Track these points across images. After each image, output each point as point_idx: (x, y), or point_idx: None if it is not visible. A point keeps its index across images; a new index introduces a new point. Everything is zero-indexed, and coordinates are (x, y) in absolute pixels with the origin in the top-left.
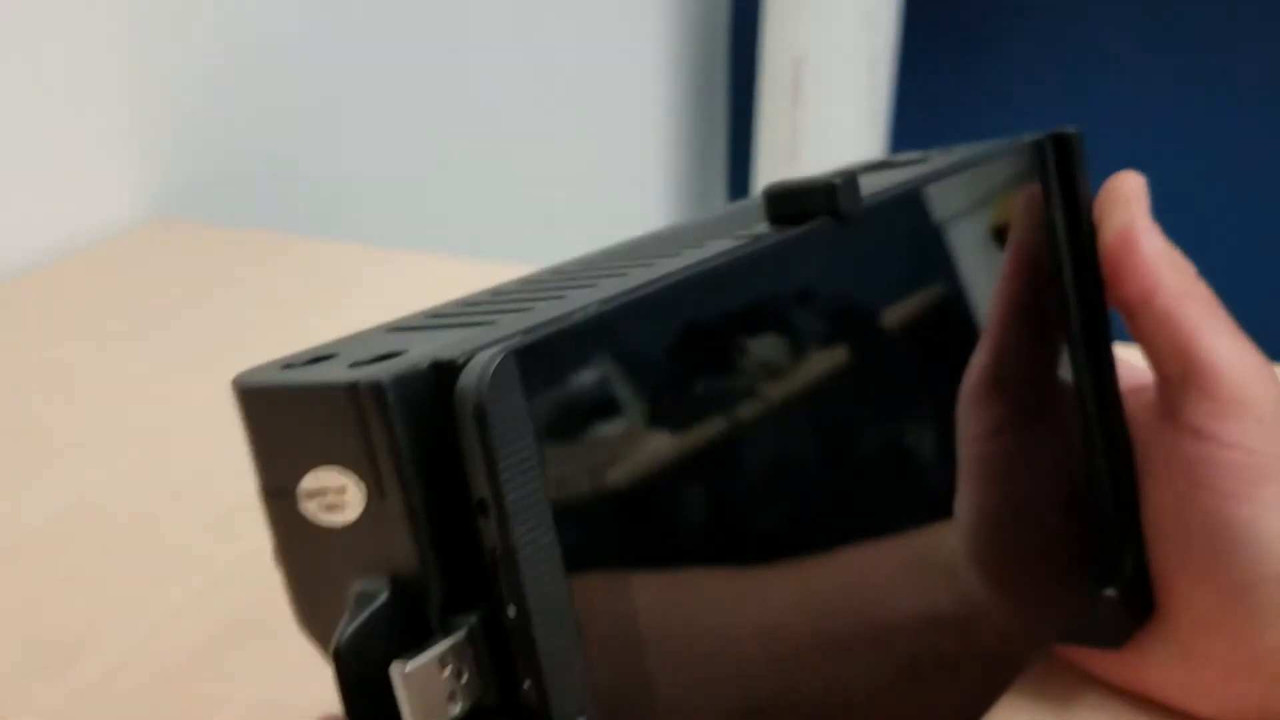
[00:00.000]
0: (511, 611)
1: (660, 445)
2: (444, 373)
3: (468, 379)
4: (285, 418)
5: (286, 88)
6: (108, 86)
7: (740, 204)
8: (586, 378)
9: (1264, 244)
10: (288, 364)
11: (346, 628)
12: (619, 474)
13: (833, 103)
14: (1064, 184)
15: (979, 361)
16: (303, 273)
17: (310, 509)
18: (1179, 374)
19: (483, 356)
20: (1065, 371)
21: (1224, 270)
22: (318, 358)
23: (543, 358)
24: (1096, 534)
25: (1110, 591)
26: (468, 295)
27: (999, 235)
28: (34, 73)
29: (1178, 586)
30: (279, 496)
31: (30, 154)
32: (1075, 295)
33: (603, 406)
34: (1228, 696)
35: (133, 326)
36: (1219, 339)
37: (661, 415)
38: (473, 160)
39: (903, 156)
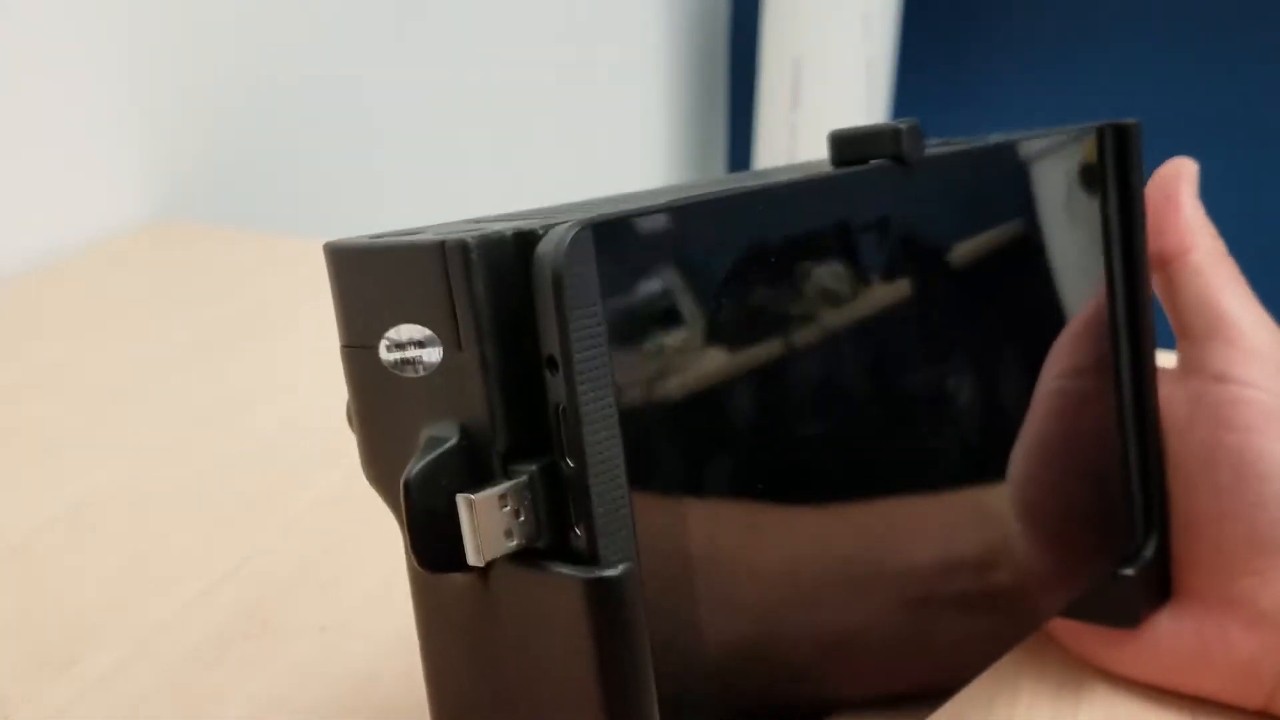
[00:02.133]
0: (569, 463)
1: (718, 336)
2: (524, 240)
3: (547, 246)
4: (373, 276)
5: (288, 90)
6: (111, 90)
7: (809, 161)
8: (654, 260)
9: (1262, 242)
10: (377, 236)
11: (416, 464)
12: (675, 354)
13: (831, 106)
14: (1118, 173)
15: (1079, 306)
16: (304, 274)
17: (390, 360)
18: (1204, 327)
19: (561, 227)
20: (1115, 355)
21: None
22: (406, 232)
23: (616, 236)
24: (1126, 512)
25: (1129, 571)
26: (541, 207)
27: (1058, 198)
28: (38, 75)
29: (1204, 532)
30: (360, 349)
31: (34, 156)
32: (1123, 282)
33: (666, 290)
34: (1247, 657)
35: (135, 327)
36: (1242, 301)
37: (721, 308)
38: (474, 162)
39: (959, 141)
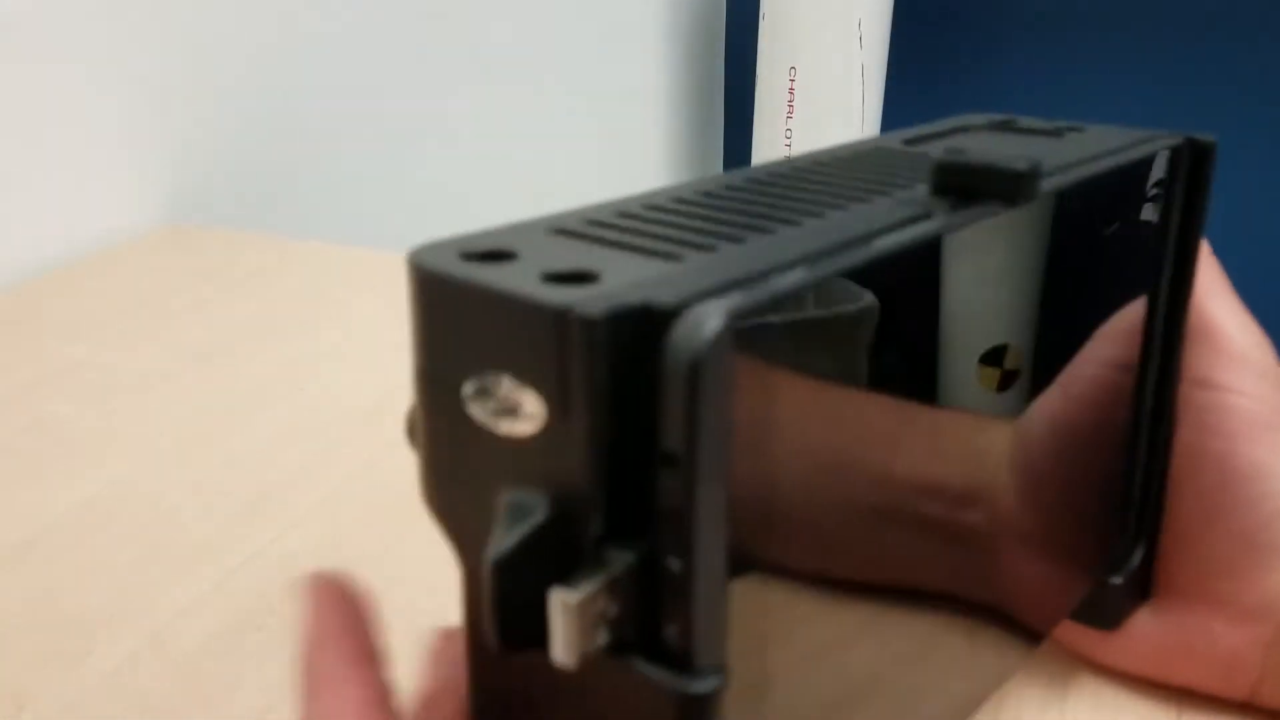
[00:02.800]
0: (676, 564)
1: (831, 416)
2: (653, 316)
3: (684, 333)
4: (468, 314)
5: (294, 94)
6: (123, 93)
7: (870, 147)
8: (784, 345)
9: (1261, 241)
10: (465, 251)
11: (505, 542)
12: (789, 442)
13: (826, 113)
14: (1188, 187)
15: (1133, 303)
16: (311, 276)
17: (476, 409)
18: (1189, 331)
19: (702, 311)
20: (1144, 363)
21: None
22: (495, 251)
23: (756, 320)
24: (1121, 519)
25: (1117, 579)
26: (619, 201)
27: (1135, 222)
28: (46, 80)
29: (1189, 533)
30: (439, 383)
31: (47, 159)
32: (1168, 296)
33: (793, 374)
34: (1231, 650)
35: (145, 328)
36: (1227, 305)
37: (837, 382)
38: (476, 166)
39: (1026, 121)
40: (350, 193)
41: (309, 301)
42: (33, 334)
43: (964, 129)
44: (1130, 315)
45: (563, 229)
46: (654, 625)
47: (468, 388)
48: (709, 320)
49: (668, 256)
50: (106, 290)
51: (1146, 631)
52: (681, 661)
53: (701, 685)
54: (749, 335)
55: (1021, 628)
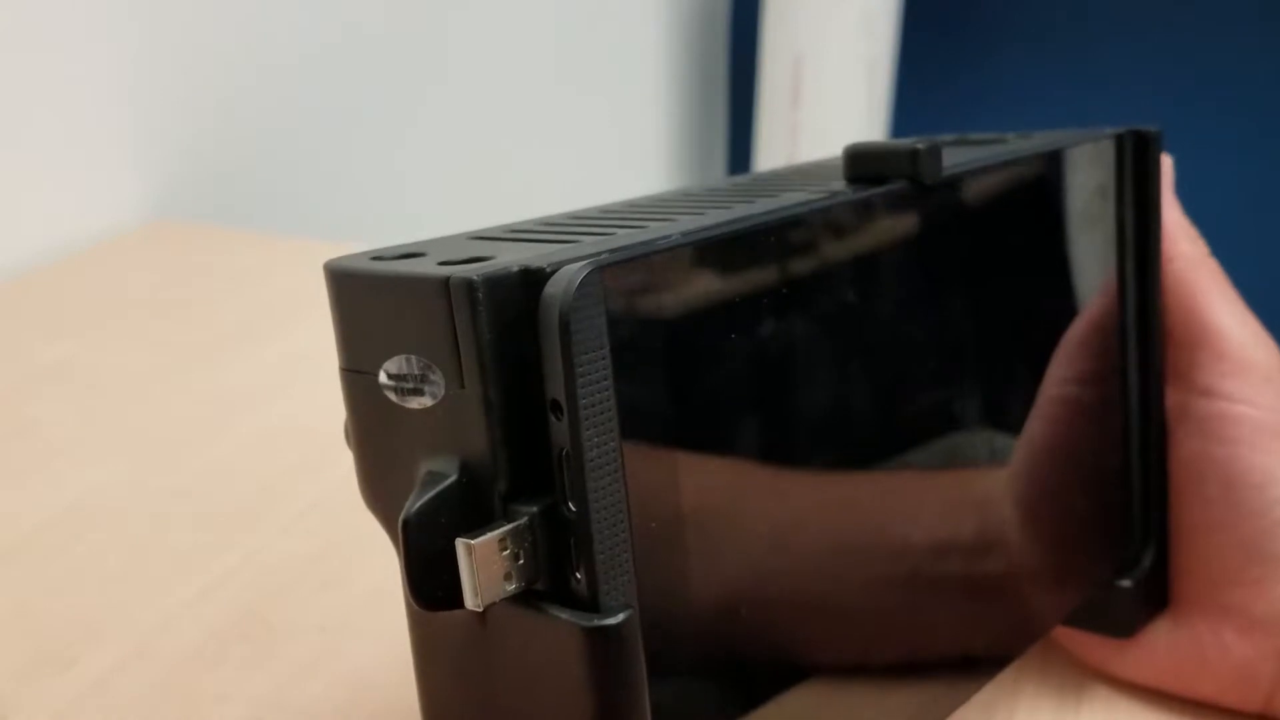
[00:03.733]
0: (572, 508)
1: (728, 371)
2: (531, 278)
3: (555, 287)
4: (375, 304)
5: (287, 90)
6: (109, 89)
7: (811, 163)
8: (664, 298)
9: (1260, 243)
10: (377, 256)
11: (415, 502)
12: (684, 393)
13: (832, 105)
14: (1136, 180)
15: (1087, 312)
16: (302, 274)
17: (390, 390)
18: (1189, 337)
19: (570, 268)
20: (1122, 364)
21: (1225, 264)
22: (407, 254)
23: (625, 276)
24: (1125, 521)
25: (1126, 581)
26: (546, 216)
27: (1075, 215)
28: (36, 75)
29: (1195, 543)
30: (359, 373)
31: (32, 155)
32: (1134, 290)
33: (675, 329)
34: (1242, 662)
35: (133, 327)
36: (1227, 307)
37: (731, 342)
38: (473, 161)
39: (977, 136)
40: (340, 190)
41: (297, 300)
42: (14, 333)
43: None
44: (1089, 325)
45: (482, 235)
46: (563, 573)
47: (382, 374)
48: (576, 273)
49: (568, 240)
50: (91, 288)
51: (1158, 642)
52: (589, 604)
53: (608, 619)
54: (631, 286)
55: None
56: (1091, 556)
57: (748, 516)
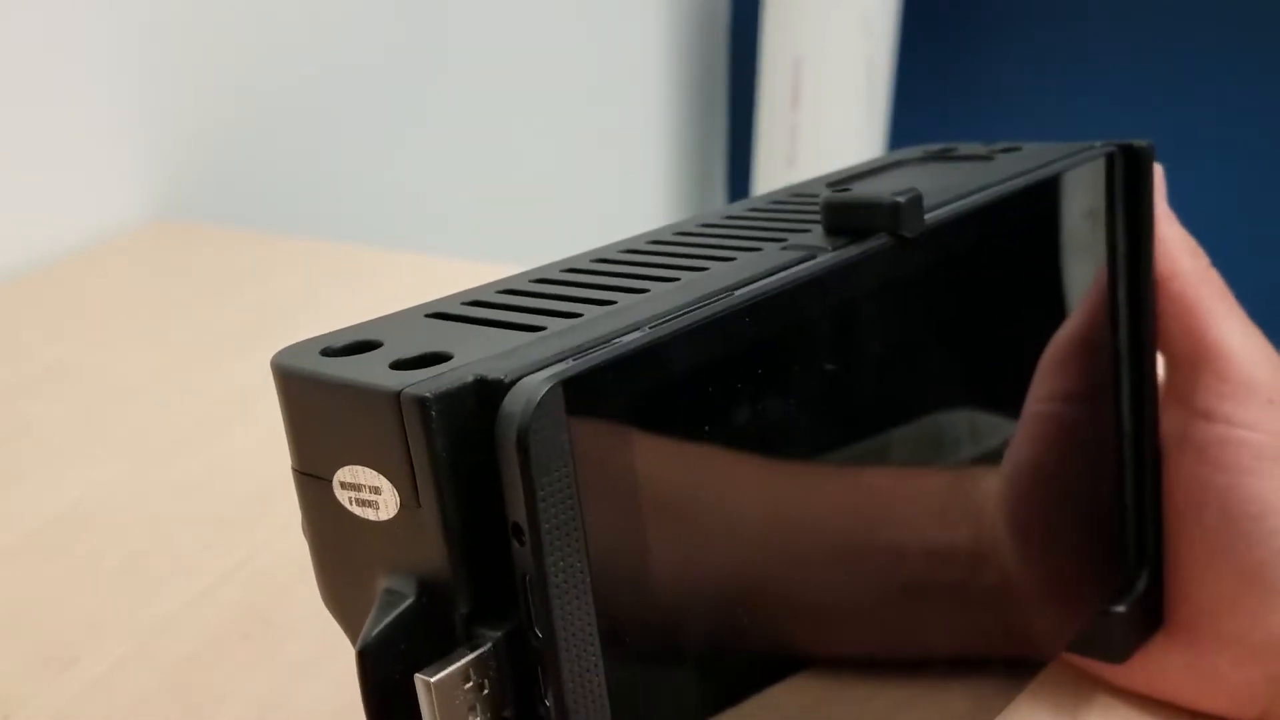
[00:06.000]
0: (538, 634)
1: (701, 472)
2: (488, 391)
3: (512, 404)
4: (324, 409)
5: (289, 90)
6: (111, 89)
7: (789, 194)
8: (631, 404)
9: (1259, 246)
10: (326, 348)
11: (373, 629)
12: (655, 500)
13: (831, 105)
14: (1128, 196)
15: (1065, 328)
16: (303, 274)
17: (344, 498)
18: (1191, 357)
19: (530, 382)
20: (1113, 384)
21: (1218, 268)
22: (359, 344)
23: (590, 386)
24: (1118, 546)
25: (1120, 607)
26: (509, 279)
27: (1063, 241)
28: (38, 74)
29: (1192, 570)
30: (313, 480)
31: (34, 156)
32: (1127, 311)
33: (645, 433)
34: (1238, 685)
35: (133, 327)
36: (1231, 324)
37: (706, 439)
38: (473, 161)
39: (965, 148)
40: (340, 190)
41: (298, 300)
42: (15, 334)
43: (898, 164)
44: (1069, 343)
45: (441, 313)
46: (530, 702)
47: (336, 482)
48: (536, 389)
49: (531, 329)
50: (91, 289)
51: (1153, 662)
52: None
53: None
54: (595, 398)
55: (1012, 662)
56: (1087, 585)
57: (737, 632)
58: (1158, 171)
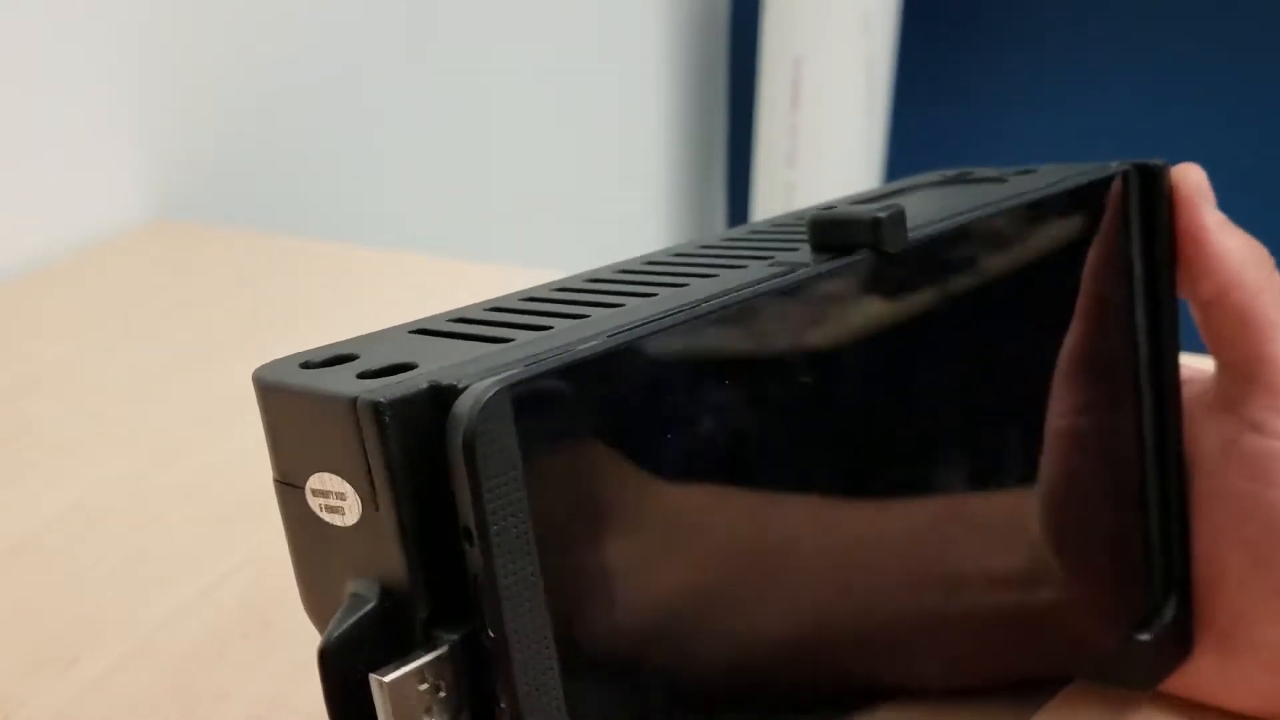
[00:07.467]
0: (490, 637)
1: (659, 480)
2: (441, 396)
3: (461, 407)
4: (296, 418)
5: (289, 90)
6: (112, 89)
7: (794, 217)
8: (584, 412)
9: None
10: (306, 361)
11: (335, 630)
12: (609, 508)
13: (831, 105)
14: (1144, 214)
15: (1076, 349)
16: (303, 274)
17: (315, 505)
18: (1245, 368)
19: (478, 386)
20: (1134, 410)
21: None
22: (336, 357)
23: (540, 390)
24: (1144, 571)
25: (1145, 636)
26: (499, 298)
27: (1063, 259)
28: (38, 75)
29: (1229, 579)
30: (290, 488)
31: (34, 156)
32: (1147, 334)
33: (599, 443)
34: (1273, 690)
35: (133, 327)
36: None
37: (665, 448)
38: (473, 162)
39: (981, 172)
40: (340, 190)
41: (297, 300)
42: (17, 333)
43: (912, 188)
44: (1084, 363)
45: (424, 329)
46: (487, 704)
47: (308, 488)
48: (483, 393)
49: (501, 340)
50: (93, 288)
51: (1188, 660)
52: None
53: None
54: (546, 402)
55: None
56: (1108, 613)
57: (695, 633)
58: (1199, 176)
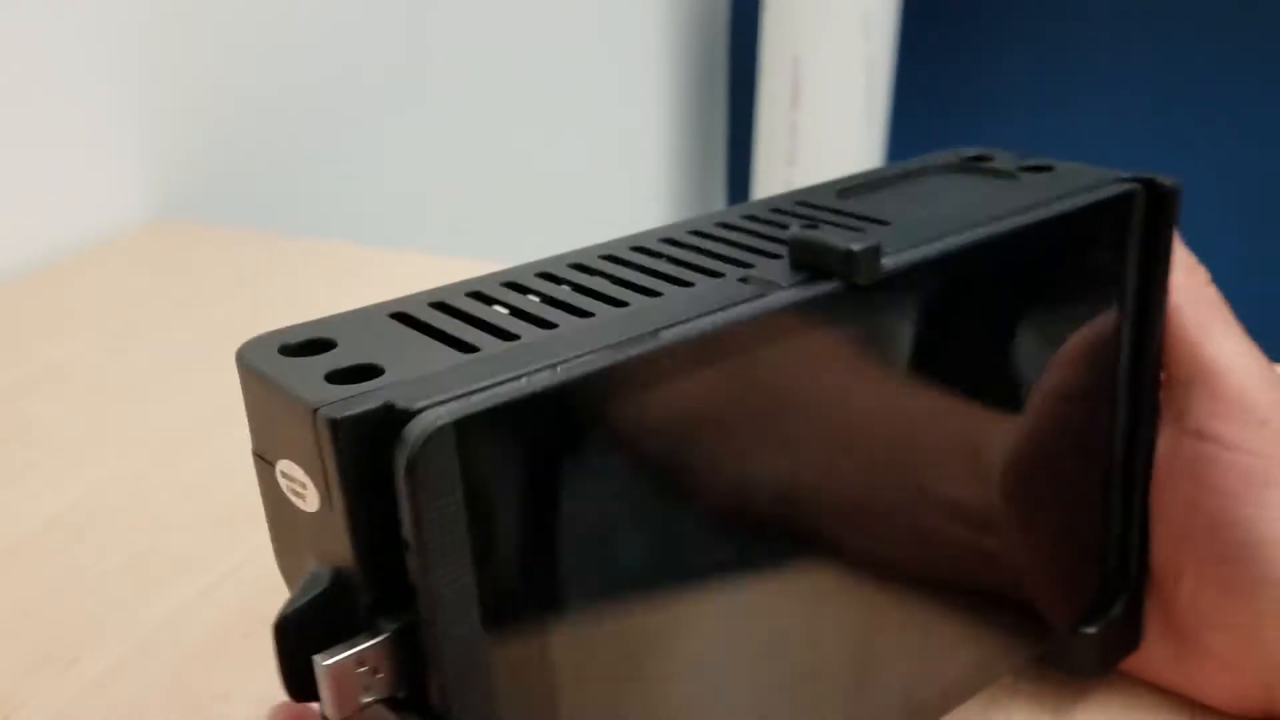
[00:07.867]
0: (424, 635)
1: (607, 506)
2: (395, 419)
3: (409, 434)
4: (269, 406)
5: (290, 90)
6: (112, 89)
7: (793, 201)
8: (528, 441)
9: (1259, 251)
10: (284, 345)
11: (290, 607)
12: (547, 525)
13: (831, 105)
14: (1146, 231)
15: (1077, 338)
16: (303, 274)
17: (284, 486)
18: (1185, 375)
19: (428, 417)
20: (1109, 414)
21: (1217, 277)
22: (313, 342)
23: (485, 423)
24: (1094, 569)
25: (1091, 629)
26: (480, 278)
27: (1052, 282)
28: (38, 74)
29: (1181, 584)
30: (264, 463)
31: (34, 155)
32: (1131, 348)
33: (540, 467)
34: (1229, 686)
35: (134, 327)
36: (1226, 342)
37: (604, 478)
38: (472, 161)
39: (998, 159)
40: (341, 189)
41: (297, 300)
42: (17, 333)
43: (923, 171)
44: (1071, 376)
45: (402, 313)
46: (422, 686)
47: (278, 470)
48: (430, 423)
49: (467, 348)
50: (93, 289)
51: (1145, 656)
52: (443, 717)
53: None
54: (493, 433)
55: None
56: (1057, 602)
57: (631, 650)
58: None
